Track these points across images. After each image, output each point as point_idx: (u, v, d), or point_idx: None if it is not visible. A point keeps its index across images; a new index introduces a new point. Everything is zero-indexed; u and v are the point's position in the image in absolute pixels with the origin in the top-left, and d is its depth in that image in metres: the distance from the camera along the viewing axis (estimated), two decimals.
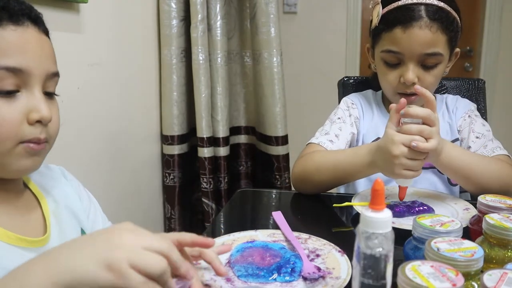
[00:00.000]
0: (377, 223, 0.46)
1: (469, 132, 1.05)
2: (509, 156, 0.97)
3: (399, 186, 0.86)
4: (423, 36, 0.95)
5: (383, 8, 1.00)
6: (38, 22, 0.59)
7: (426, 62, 0.98)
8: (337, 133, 1.10)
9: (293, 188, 1.08)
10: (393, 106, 0.84)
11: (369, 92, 1.19)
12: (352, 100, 1.16)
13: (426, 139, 0.79)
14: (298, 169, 1.02)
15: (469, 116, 1.09)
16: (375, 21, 1.01)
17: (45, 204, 0.65)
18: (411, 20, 0.95)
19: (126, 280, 0.42)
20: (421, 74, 0.98)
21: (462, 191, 1.10)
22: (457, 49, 1.05)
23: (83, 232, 0.70)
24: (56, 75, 0.61)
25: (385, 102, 1.14)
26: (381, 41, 1.01)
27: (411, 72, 0.97)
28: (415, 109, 0.79)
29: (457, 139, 1.08)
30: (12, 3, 0.56)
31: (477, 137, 1.02)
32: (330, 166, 0.96)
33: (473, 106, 1.13)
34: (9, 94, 0.55)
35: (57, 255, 0.44)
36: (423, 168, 1.05)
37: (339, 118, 1.12)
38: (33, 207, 0.64)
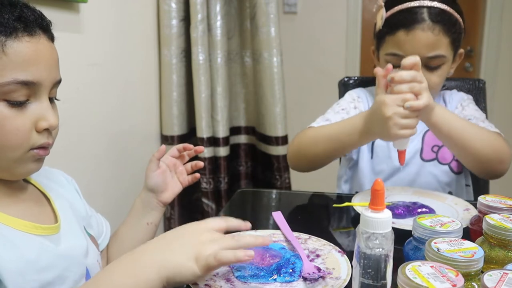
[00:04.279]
0: (377, 224, 0.46)
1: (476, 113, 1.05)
2: (500, 134, 0.97)
3: (397, 151, 0.87)
4: (426, 38, 0.95)
5: (386, 11, 1.01)
6: (48, 30, 0.60)
7: (429, 64, 0.98)
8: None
9: (293, 188, 1.08)
10: (378, 69, 0.85)
11: (373, 88, 1.18)
12: (358, 94, 1.15)
13: (417, 95, 0.81)
14: (293, 145, 1.04)
15: (461, 104, 1.10)
16: (379, 24, 1.01)
17: (51, 199, 0.67)
18: (414, 23, 0.95)
19: (212, 270, 0.55)
20: (425, 75, 0.98)
21: (466, 184, 1.10)
22: (461, 50, 1.05)
23: (86, 230, 0.71)
24: (60, 81, 0.62)
25: None
26: (385, 44, 1.02)
27: None
28: (401, 73, 0.81)
29: None
30: (26, 12, 0.56)
31: (469, 119, 1.02)
32: (326, 138, 0.97)
33: (466, 96, 1.13)
34: (21, 104, 0.56)
35: (153, 253, 0.54)
36: (425, 160, 1.05)
37: (342, 109, 1.11)
38: (41, 200, 0.66)
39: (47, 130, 0.59)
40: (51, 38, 0.61)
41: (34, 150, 0.59)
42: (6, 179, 0.60)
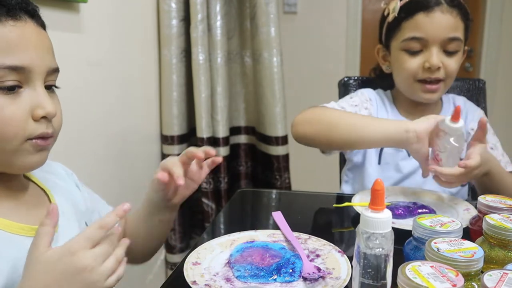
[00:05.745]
0: (377, 223, 0.46)
1: (493, 139, 1.09)
2: None
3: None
4: (446, 20, 0.98)
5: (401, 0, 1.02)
6: (35, 16, 0.59)
7: (448, 48, 1.00)
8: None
9: (293, 188, 1.08)
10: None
11: (380, 91, 1.18)
12: (370, 96, 1.14)
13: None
14: (306, 113, 1.03)
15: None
16: (396, 11, 1.02)
17: (52, 196, 0.66)
18: (433, 5, 0.98)
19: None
20: (444, 59, 1.00)
21: (468, 195, 1.10)
22: (466, 47, 1.07)
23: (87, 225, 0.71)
24: (56, 70, 0.61)
25: (396, 103, 1.13)
26: (401, 31, 1.02)
27: (436, 57, 0.99)
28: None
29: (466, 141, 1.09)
30: None
31: (491, 148, 1.05)
32: (345, 125, 0.96)
33: (480, 111, 1.15)
34: (12, 90, 0.55)
35: None
36: None
37: (356, 105, 1.10)
38: (40, 199, 0.65)
39: (46, 119, 0.58)
40: (41, 24, 0.60)
41: (33, 140, 0.57)
42: (8, 176, 0.60)
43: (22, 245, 0.55)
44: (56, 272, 0.49)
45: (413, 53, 1.01)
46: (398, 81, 1.08)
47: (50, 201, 0.66)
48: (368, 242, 0.46)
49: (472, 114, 1.12)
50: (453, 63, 1.01)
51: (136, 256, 0.81)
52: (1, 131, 0.54)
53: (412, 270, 0.44)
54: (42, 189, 0.67)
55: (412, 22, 1.00)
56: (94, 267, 0.50)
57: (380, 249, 0.46)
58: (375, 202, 0.46)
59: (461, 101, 1.15)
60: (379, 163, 1.09)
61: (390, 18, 1.04)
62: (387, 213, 0.46)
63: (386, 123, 0.92)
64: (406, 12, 1.01)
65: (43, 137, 0.58)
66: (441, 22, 0.98)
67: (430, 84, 1.01)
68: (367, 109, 1.11)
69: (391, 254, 0.47)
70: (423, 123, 0.86)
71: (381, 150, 1.09)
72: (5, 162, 0.57)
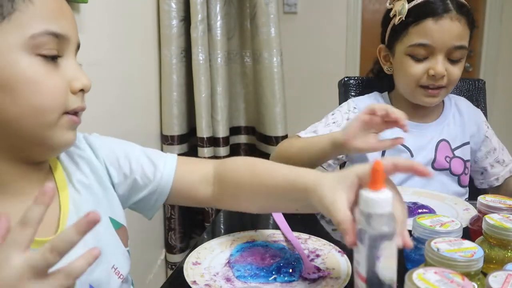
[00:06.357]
0: (378, 203, 0.45)
1: (498, 143, 1.12)
2: None
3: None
4: (455, 28, 0.97)
5: (409, 1, 1.01)
6: None
7: (452, 56, 0.99)
8: None
9: None
10: None
11: (376, 93, 1.17)
12: (356, 104, 1.13)
13: None
14: (277, 149, 1.11)
15: (488, 127, 1.14)
16: (403, 13, 1.01)
17: (65, 190, 0.60)
18: (443, 11, 0.97)
19: None
20: (448, 67, 0.99)
21: (469, 197, 1.10)
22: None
23: (112, 220, 0.64)
24: (79, 46, 0.59)
25: (393, 103, 1.12)
26: (408, 36, 1.01)
27: (441, 65, 0.98)
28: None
29: (467, 143, 1.08)
30: None
31: (495, 148, 1.11)
32: (298, 151, 1.00)
33: (483, 116, 1.17)
34: (53, 60, 0.52)
35: None
36: (437, 169, 1.05)
37: (334, 122, 1.10)
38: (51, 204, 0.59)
39: (82, 92, 0.56)
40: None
41: (68, 115, 0.55)
42: (37, 162, 0.55)
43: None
44: None
45: (418, 59, 1.00)
46: (400, 84, 1.07)
47: (58, 201, 0.59)
48: (369, 222, 0.45)
49: (475, 116, 1.12)
50: (456, 71, 1.00)
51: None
52: (42, 102, 0.51)
53: (419, 279, 0.43)
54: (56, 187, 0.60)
55: (420, 27, 0.98)
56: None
57: (384, 228, 0.45)
58: (375, 181, 0.45)
59: (463, 102, 1.14)
60: None
61: (396, 20, 1.02)
62: (387, 193, 0.45)
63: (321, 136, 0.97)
64: (414, 17, 0.99)
65: (76, 112, 0.56)
66: (449, 30, 0.97)
67: (433, 89, 1.01)
68: (349, 120, 1.10)
69: (395, 232, 0.46)
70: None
71: (383, 153, 1.08)
72: (37, 141, 0.54)
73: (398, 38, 1.03)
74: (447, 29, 0.96)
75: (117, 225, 0.65)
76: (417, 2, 0.99)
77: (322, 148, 0.92)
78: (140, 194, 0.70)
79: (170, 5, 1.56)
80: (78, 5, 1.14)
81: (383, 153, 1.08)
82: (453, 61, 1.00)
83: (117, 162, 0.69)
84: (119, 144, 0.73)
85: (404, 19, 1.00)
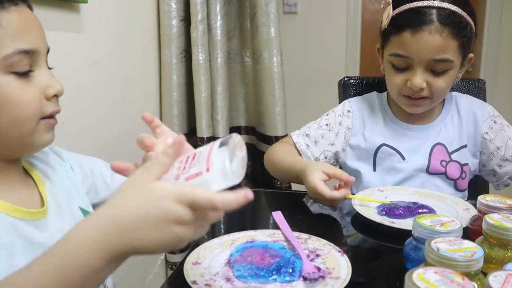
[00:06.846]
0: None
1: (507, 140, 1.05)
2: None
3: None
4: (433, 41, 0.91)
5: (393, 9, 0.97)
6: (26, 0, 0.61)
7: (435, 68, 0.95)
8: (317, 140, 1.12)
9: (293, 188, 1.08)
10: None
11: (374, 94, 1.16)
12: (351, 107, 1.13)
13: None
14: (267, 152, 1.15)
15: (495, 122, 1.08)
16: (385, 22, 0.98)
17: (42, 185, 0.66)
18: (421, 24, 0.91)
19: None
20: (430, 79, 0.96)
21: (469, 197, 1.09)
22: (471, 55, 1.02)
23: (82, 210, 0.71)
24: (49, 50, 0.63)
25: (391, 104, 1.12)
26: (389, 44, 0.99)
27: (419, 78, 0.95)
28: None
29: (464, 146, 1.06)
30: None
31: None
32: (277, 166, 1.09)
33: (489, 108, 1.11)
34: (26, 75, 0.57)
35: (121, 235, 0.44)
36: (431, 174, 1.05)
37: (327, 124, 1.12)
38: (30, 186, 0.65)
39: (56, 97, 0.61)
40: (30, 7, 0.62)
41: (45, 119, 0.60)
42: (8, 161, 0.61)
43: (16, 228, 0.56)
44: (151, 210, 0.44)
45: (398, 69, 0.98)
46: (387, 87, 1.07)
47: (37, 189, 0.65)
48: None
49: (480, 116, 1.08)
50: (440, 83, 0.96)
51: None
52: (20, 115, 0.57)
53: (419, 279, 0.43)
54: (33, 180, 0.67)
55: (399, 38, 0.95)
56: (191, 229, 0.45)
57: None
58: None
59: (463, 101, 1.11)
60: (374, 170, 1.08)
61: (382, 26, 1.00)
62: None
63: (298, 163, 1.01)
64: (394, 26, 0.96)
65: (53, 115, 0.62)
66: (427, 44, 0.91)
67: (414, 100, 0.99)
68: (342, 125, 1.12)
69: None
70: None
71: (375, 156, 1.08)
72: (20, 144, 0.59)
73: (384, 44, 1.02)
74: (424, 42, 0.91)
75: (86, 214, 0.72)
76: (399, 11, 0.96)
77: (291, 174, 1.02)
78: (101, 196, 0.79)
79: (170, 5, 1.56)
80: (78, 5, 1.14)
81: (374, 157, 1.08)
82: (436, 73, 0.95)
83: (79, 165, 0.78)
84: (82, 155, 0.82)
85: (387, 27, 0.98)
